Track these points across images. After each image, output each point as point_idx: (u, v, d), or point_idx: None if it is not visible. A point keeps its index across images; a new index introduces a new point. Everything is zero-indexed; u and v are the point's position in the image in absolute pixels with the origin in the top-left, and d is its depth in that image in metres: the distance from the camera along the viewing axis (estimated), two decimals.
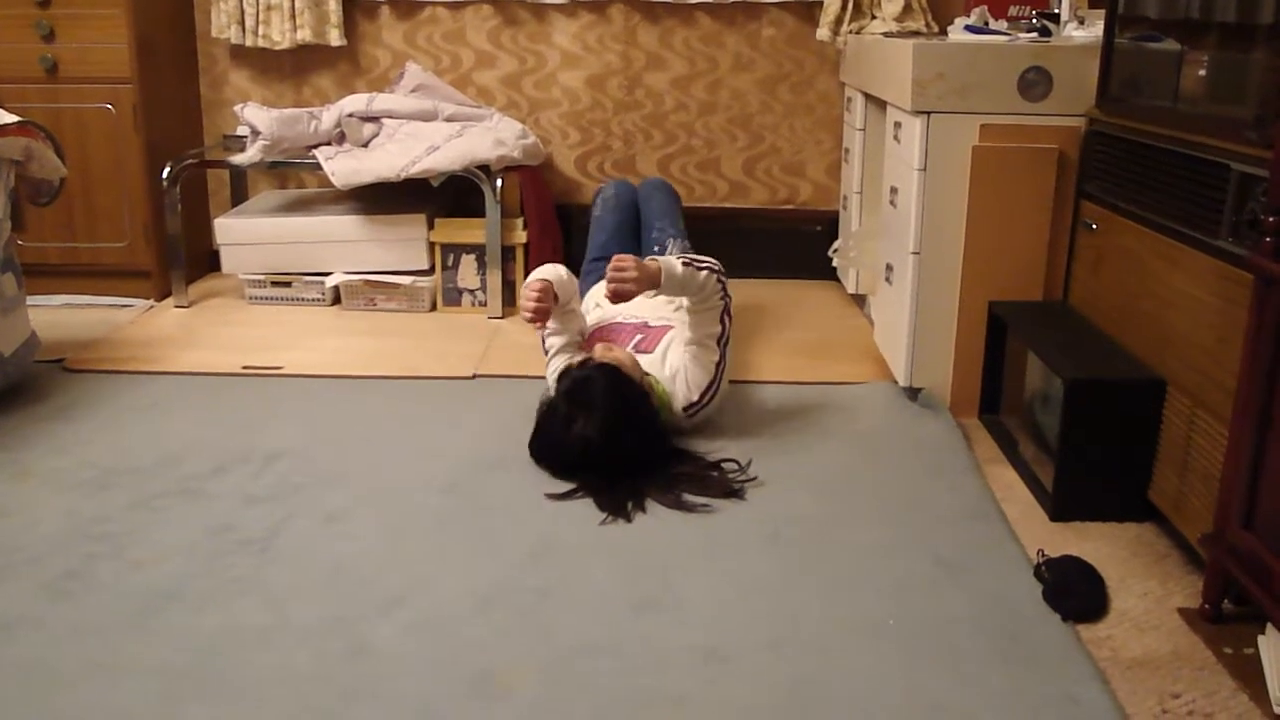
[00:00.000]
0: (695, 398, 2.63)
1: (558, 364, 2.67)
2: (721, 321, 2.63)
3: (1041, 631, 1.91)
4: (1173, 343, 2.24)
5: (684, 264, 2.57)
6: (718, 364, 2.64)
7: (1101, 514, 2.34)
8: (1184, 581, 2.10)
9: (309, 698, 1.70)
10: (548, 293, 2.65)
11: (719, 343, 2.64)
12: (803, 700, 1.71)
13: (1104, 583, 2.07)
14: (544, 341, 2.80)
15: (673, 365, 2.66)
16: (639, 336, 2.76)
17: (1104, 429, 2.31)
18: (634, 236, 3.46)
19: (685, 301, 2.63)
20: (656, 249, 3.32)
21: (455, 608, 1.96)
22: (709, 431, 2.70)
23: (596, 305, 2.97)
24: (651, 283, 2.53)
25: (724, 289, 2.63)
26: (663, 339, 2.74)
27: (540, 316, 2.65)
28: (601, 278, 2.96)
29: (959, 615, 1.95)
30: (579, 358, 2.58)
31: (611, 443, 2.39)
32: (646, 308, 2.86)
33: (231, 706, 1.68)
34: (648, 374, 2.60)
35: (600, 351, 2.59)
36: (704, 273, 2.58)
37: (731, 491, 2.40)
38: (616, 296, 2.54)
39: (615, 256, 2.55)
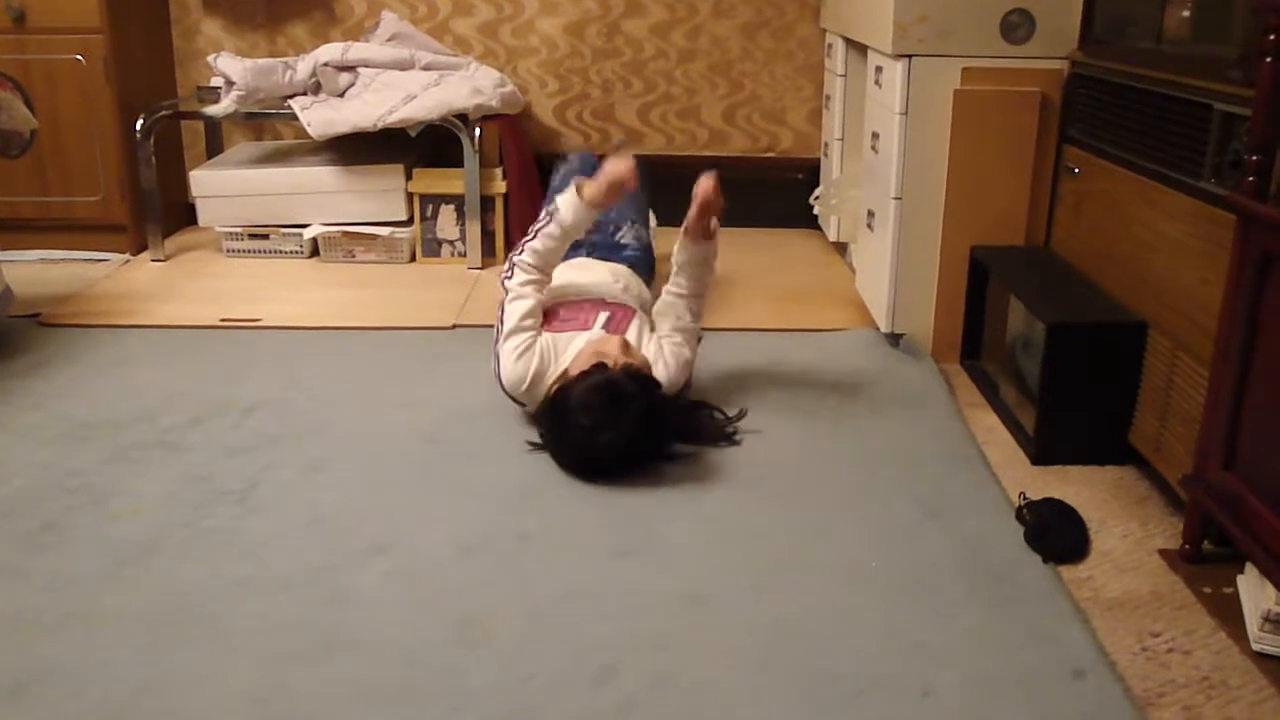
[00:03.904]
0: (671, 390, 2.45)
1: (533, 363, 2.39)
2: (699, 314, 2.61)
3: (1023, 573, 1.91)
4: (1154, 285, 2.24)
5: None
6: (691, 361, 2.54)
7: (1082, 457, 2.35)
8: (1164, 523, 2.11)
9: (290, 646, 1.70)
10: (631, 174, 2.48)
11: (697, 339, 2.59)
12: (784, 642, 1.72)
13: (1085, 525, 2.08)
14: (515, 278, 2.50)
15: (650, 352, 2.47)
16: (604, 314, 2.54)
17: (1085, 372, 2.31)
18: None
19: (685, 281, 2.57)
20: (610, 228, 3.01)
21: (436, 555, 1.95)
22: (694, 380, 2.69)
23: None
24: (716, 214, 2.51)
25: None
26: (631, 323, 2.54)
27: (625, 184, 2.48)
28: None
29: (941, 558, 1.96)
30: (605, 349, 2.32)
31: (638, 452, 2.24)
32: (597, 285, 2.70)
33: (212, 655, 1.67)
34: None
35: (617, 348, 2.31)
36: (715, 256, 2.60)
37: (725, 437, 2.40)
38: (705, 211, 2.46)
39: (705, 177, 2.47)
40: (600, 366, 2.25)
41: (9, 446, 2.36)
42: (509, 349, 2.41)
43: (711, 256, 2.60)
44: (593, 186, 2.47)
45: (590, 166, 3.08)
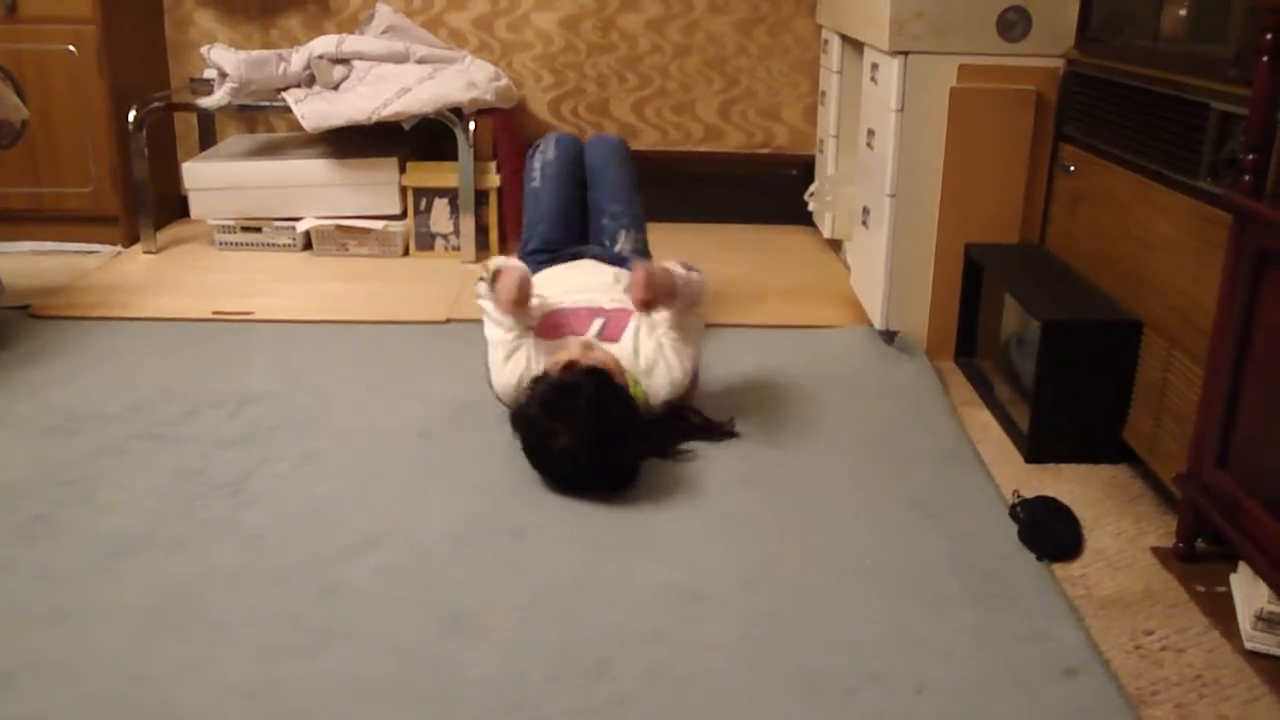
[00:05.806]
0: (677, 393, 2.39)
1: (520, 365, 2.34)
2: (701, 317, 2.52)
3: (1017, 570, 1.91)
4: (1149, 284, 2.24)
5: (684, 268, 2.45)
6: (695, 357, 2.45)
7: (1076, 455, 2.35)
8: (1157, 522, 2.11)
9: (283, 639, 1.69)
10: (528, 284, 2.38)
11: (698, 336, 2.49)
12: (778, 637, 1.72)
13: (1078, 523, 2.08)
14: (489, 331, 2.46)
15: (648, 358, 2.36)
16: (599, 321, 2.45)
17: (1079, 370, 2.31)
18: (580, 215, 3.01)
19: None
20: (607, 241, 2.92)
21: (430, 549, 1.95)
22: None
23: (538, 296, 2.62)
24: (669, 294, 2.39)
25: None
26: (627, 325, 2.43)
27: (522, 304, 2.37)
28: (543, 265, 2.75)
29: (935, 555, 1.96)
30: (559, 357, 2.28)
31: (599, 455, 2.14)
32: (597, 288, 2.60)
33: (205, 647, 1.66)
34: (625, 370, 2.33)
35: (580, 352, 2.27)
36: (698, 276, 2.46)
37: (707, 431, 2.39)
38: (646, 306, 2.39)
39: (637, 267, 2.39)
40: (544, 376, 2.22)
41: None
42: (496, 358, 2.38)
43: (688, 305, 2.45)
44: (500, 293, 2.37)
45: (565, 146, 3.03)
